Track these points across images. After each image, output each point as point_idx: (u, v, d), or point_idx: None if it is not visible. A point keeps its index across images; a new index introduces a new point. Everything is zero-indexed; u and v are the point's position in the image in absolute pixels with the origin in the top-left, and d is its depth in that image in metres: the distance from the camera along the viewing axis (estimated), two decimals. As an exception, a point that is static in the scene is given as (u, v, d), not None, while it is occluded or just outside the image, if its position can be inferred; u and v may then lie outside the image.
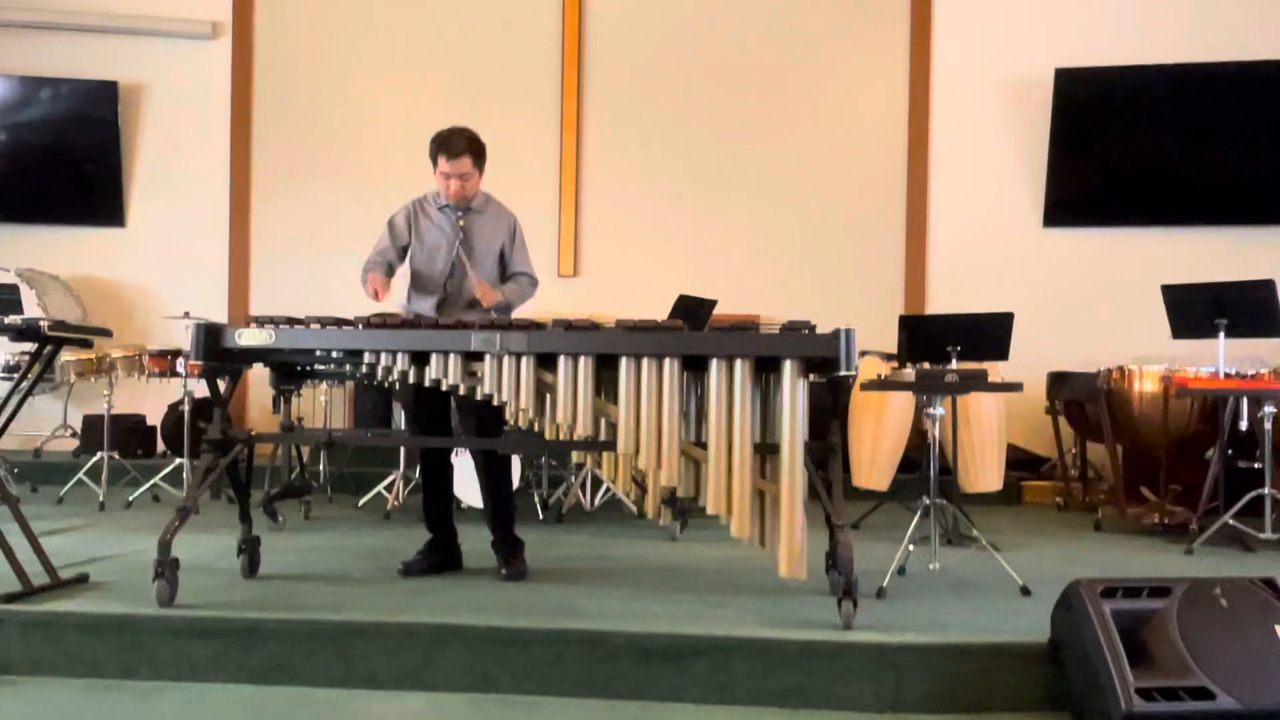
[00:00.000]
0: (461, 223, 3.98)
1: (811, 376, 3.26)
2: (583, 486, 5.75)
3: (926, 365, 5.01)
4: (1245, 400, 4.75)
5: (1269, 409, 4.65)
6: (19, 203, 7.85)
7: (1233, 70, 7.12)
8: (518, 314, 4.06)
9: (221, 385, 3.62)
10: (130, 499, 5.78)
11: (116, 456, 6.12)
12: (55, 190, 7.87)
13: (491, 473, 3.96)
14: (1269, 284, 4.96)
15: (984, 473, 5.32)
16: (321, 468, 6.36)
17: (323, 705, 2.92)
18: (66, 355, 5.90)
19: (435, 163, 3.93)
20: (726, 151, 7.66)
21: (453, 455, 4.14)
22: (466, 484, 4.59)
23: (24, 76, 7.85)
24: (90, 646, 3.13)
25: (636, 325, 3.28)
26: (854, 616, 3.07)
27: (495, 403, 3.33)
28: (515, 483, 4.75)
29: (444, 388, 3.37)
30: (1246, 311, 4.99)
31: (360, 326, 3.44)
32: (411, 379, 3.38)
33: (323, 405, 6.23)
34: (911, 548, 3.85)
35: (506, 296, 3.99)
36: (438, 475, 4.03)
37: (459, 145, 3.88)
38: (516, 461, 4.92)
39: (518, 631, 3.05)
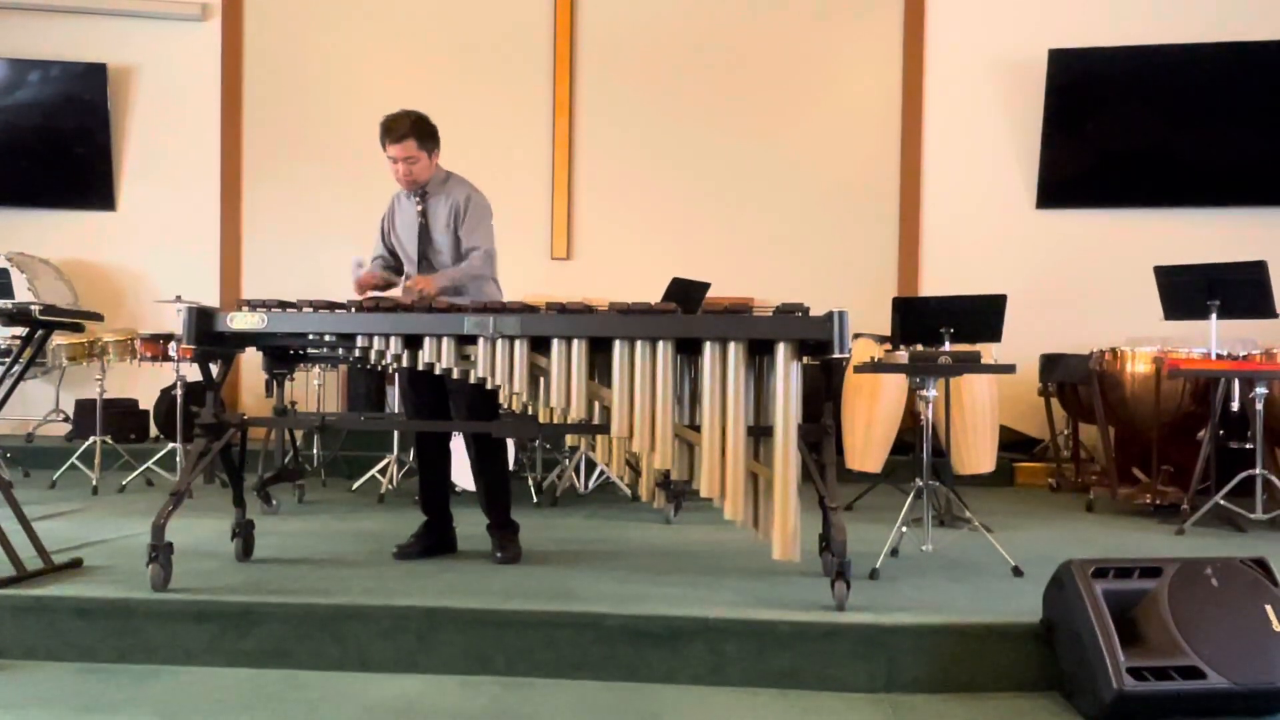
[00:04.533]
0: (420, 207, 3.95)
1: (805, 359, 3.26)
2: (576, 470, 5.76)
3: (920, 347, 5.01)
4: (1237, 381, 4.76)
5: (1260, 390, 4.67)
6: (8, 186, 7.81)
7: (1226, 51, 7.11)
8: (510, 293, 4.03)
9: (214, 369, 3.61)
10: (123, 483, 5.77)
11: (109, 441, 6.10)
12: (45, 174, 7.84)
13: (485, 456, 3.95)
14: (1261, 265, 4.97)
15: (977, 454, 5.33)
16: (315, 451, 6.36)
17: (317, 688, 2.92)
18: (58, 339, 5.89)
19: (384, 148, 3.85)
20: (720, 134, 7.64)
21: (450, 440, 4.13)
22: (463, 468, 4.58)
23: (12, 59, 7.80)
24: (84, 631, 3.13)
25: (630, 308, 3.27)
26: (847, 598, 3.07)
27: (489, 386, 3.33)
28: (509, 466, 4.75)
29: (437, 371, 3.37)
30: (1238, 293, 4.99)
31: (353, 310, 3.43)
32: (405, 362, 3.38)
33: (316, 389, 6.22)
34: (904, 529, 3.86)
35: (452, 279, 3.83)
36: (433, 459, 4.02)
37: (402, 128, 3.80)
38: (510, 445, 4.92)
39: (512, 614, 3.06)
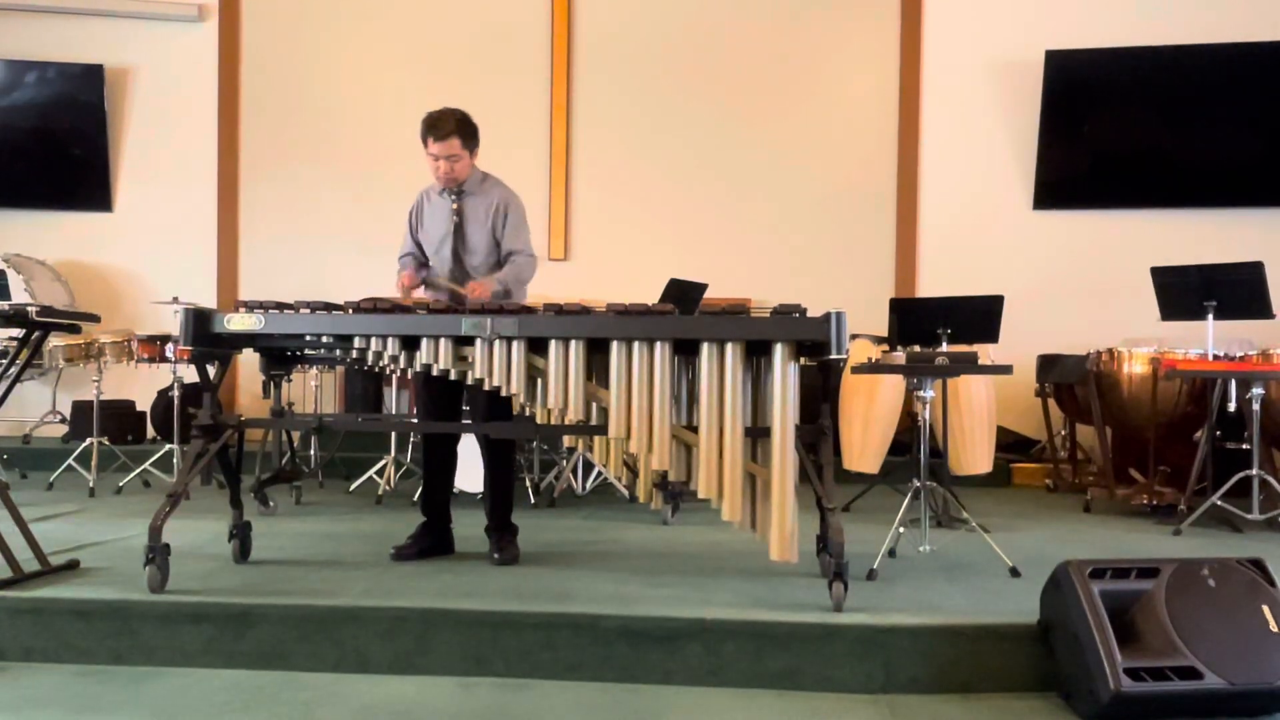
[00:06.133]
0: (455, 206, 3.96)
1: (802, 360, 3.27)
2: (574, 471, 5.75)
3: (917, 348, 5.02)
4: (1233, 382, 4.77)
5: (1257, 390, 4.68)
6: (5, 188, 7.80)
7: (1222, 52, 7.12)
8: (532, 293, 4.04)
9: (211, 370, 3.61)
10: (120, 485, 5.77)
11: (106, 442, 6.10)
12: (42, 175, 7.83)
13: (498, 459, 3.97)
14: (1257, 266, 4.98)
15: (974, 455, 5.33)
16: (312, 453, 6.36)
17: (315, 690, 2.92)
18: (55, 341, 5.88)
19: (425, 144, 3.88)
20: (718, 135, 7.64)
21: (458, 444, 4.13)
22: (463, 470, 4.57)
23: (9, 60, 7.79)
24: (82, 632, 3.12)
25: (627, 309, 3.27)
26: (845, 599, 3.08)
27: (486, 387, 3.33)
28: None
29: (434, 372, 3.37)
30: (1235, 293, 5.00)
31: (350, 311, 3.43)
32: (402, 364, 3.38)
33: (313, 390, 6.21)
34: (902, 530, 3.86)
35: (502, 283, 3.91)
36: (441, 463, 4.03)
37: (447, 126, 3.84)
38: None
39: (510, 615, 3.06)
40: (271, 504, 5.07)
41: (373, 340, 3.38)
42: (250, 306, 3.44)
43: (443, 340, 3.34)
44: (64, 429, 7.20)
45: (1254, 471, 4.68)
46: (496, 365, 3.30)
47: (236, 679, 3.00)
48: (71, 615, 3.14)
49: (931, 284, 7.35)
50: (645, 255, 7.38)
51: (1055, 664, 2.85)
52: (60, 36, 7.84)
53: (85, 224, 7.84)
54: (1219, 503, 4.67)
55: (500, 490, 3.97)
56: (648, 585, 3.44)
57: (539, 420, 3.43)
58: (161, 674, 3.03)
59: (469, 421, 4.14)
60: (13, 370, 3.71)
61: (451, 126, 3.84)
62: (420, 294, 4.06)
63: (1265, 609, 2.73)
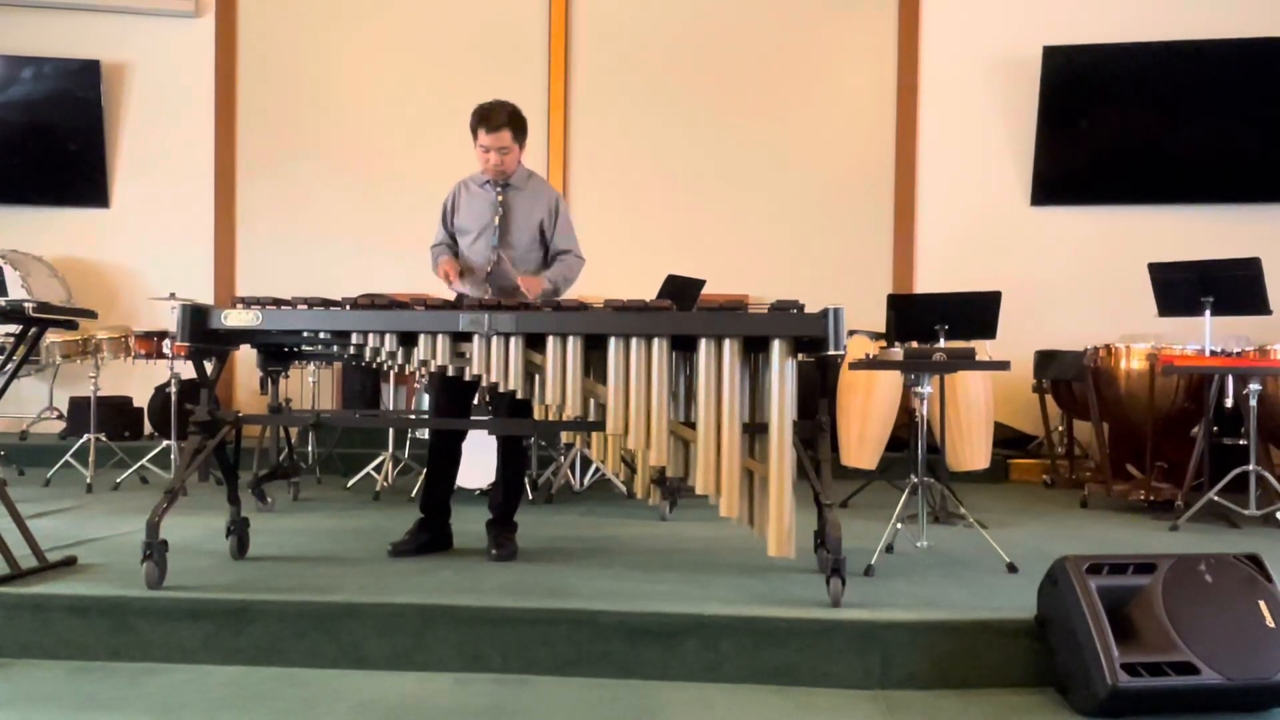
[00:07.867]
0: (500, 198, 3.95)
1: (800, 356, 3.27)
2: (572, 467, 5.76)
3: (914, 344, 5.02)
4: (1231, 378, 4.78)
5: (1254, 386, 4.68)
6: (1, 184, 7.78)
7: (1220, 47, 7.12)
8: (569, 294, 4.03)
9: (208, 367, 3.60)
10: (118, 481, 5.76)
11: (103, 439, 6.09)
12: (38, 171, 7.81)
13: (513, 455, 3.98)
14: (1255, 262, 4.98)
15: (971, 451, 5.33)
16: (310, 449, 6.35)
17: (312, 686, 2.92)
18: (52, 337, 5.87)
19: (475, 136, 3.89)
20: (716, 131, 7.64)
21: (464, 442, 4.12)
22: (465, 468, 4.56)
23: (6, 56, 7.77)
24: (79, 629, 3.12)
25: (625, 305, 3.27)
26: (842, 594, 3.08)
27: (484, 384, 3.32)
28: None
29: (432, 368, 3.36)
30: (1232, 289, 5.01)
31: (347, 307, 3.42)
32: (399, 360, 3.37)
33: (310, 386, 6.21)
34: (899, 526, 3.87)
35: (553, 282, 3.90)
36: (446, 460, 4.03)
37: (499, 118, 3.85)
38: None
39: (507, 611, 3.06)
40: (269, 500, 5.07)
41: (370, 336, 3.38)
42: (247, 302, 3.43)
43: (440, 336, 3.33)
44: (61, 425, 7.20)
45: (1251, 467, 4.69)
46: (494, 361, 3.29)
47: (234, 675, 3.00)
48: (69, 611, 3.13)
49: (929, 280, 7.35)
50: (643, 251, 7.37)
51: (1052, 659, 2.86)
52: (56, 32, 7.82)
53: (82, 220, 7.83)
54: (1216, 498, 4.68)
55: (514, 485, 3.99)
56: (645, 581, 3.44)
57: (537, 416, 3.42)
58: (159, 670, 3.03)
59: (470, 418, 4.14)
60: (10, 366, 3.70)
61: (504, 119, 3.86)
62: (460, 287, 4.00)
63: (1262, 604, 2.73)
